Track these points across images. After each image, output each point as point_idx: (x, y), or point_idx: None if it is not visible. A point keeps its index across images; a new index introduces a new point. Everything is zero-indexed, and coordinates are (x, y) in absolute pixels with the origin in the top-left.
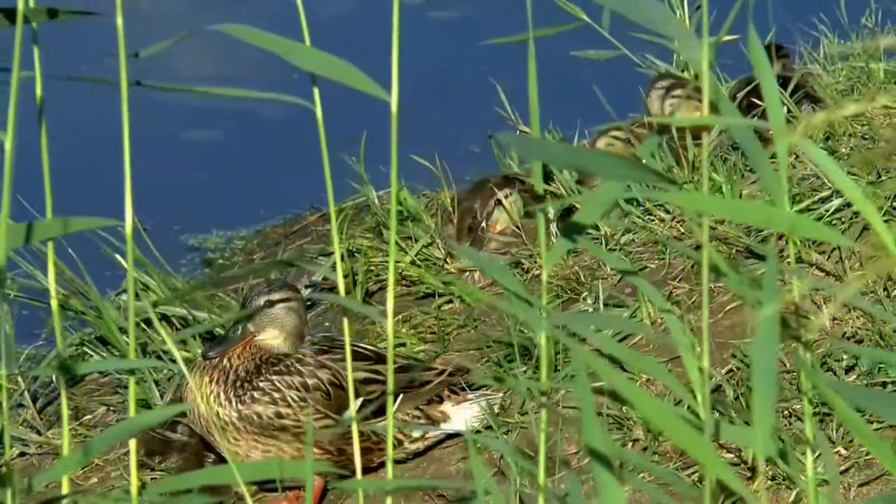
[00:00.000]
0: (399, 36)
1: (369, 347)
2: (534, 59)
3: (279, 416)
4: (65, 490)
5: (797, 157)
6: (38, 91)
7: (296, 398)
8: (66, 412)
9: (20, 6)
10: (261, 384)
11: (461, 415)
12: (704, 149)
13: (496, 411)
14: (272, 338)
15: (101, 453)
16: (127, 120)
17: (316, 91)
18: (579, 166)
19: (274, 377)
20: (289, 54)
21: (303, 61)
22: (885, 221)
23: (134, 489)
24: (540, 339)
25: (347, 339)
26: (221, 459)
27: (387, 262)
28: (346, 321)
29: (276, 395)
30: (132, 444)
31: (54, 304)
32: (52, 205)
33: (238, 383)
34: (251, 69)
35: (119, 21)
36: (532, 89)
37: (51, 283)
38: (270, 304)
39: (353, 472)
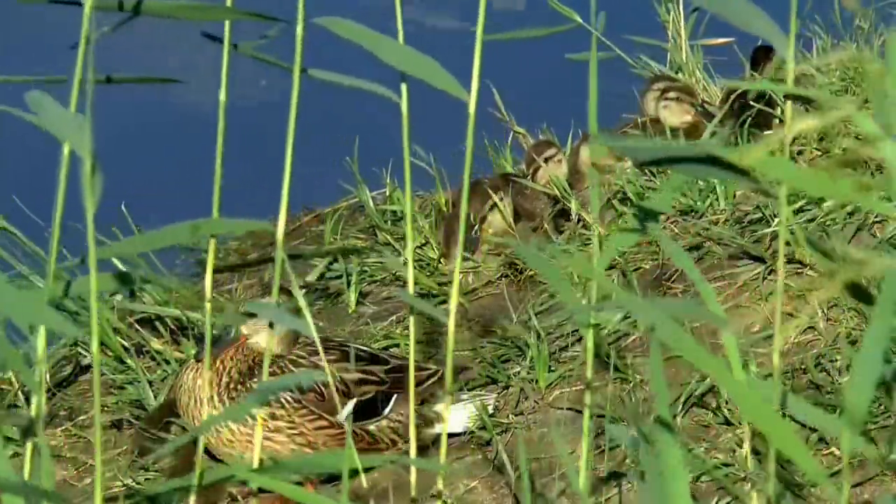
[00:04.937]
0: (482, 41)
1: (363, 348)
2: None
3: (273, 417)
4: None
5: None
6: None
7: (290, 399)
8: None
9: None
10: (254, 386)
11: (456, 415)
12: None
13: (490, 411)
14: (265, 340)
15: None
16: (295, 107)
17: (404, 87)
18: (667, 162)
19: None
20: (378, 49)
21: (392, 58)
22: (880, 223)
23: None
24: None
25: (412, 340)
26: (214, 460)
27: (379, 262)
28: (412, 319)
29: (269, 395)
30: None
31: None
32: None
33: (231, 385)
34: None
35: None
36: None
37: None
38: None
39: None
